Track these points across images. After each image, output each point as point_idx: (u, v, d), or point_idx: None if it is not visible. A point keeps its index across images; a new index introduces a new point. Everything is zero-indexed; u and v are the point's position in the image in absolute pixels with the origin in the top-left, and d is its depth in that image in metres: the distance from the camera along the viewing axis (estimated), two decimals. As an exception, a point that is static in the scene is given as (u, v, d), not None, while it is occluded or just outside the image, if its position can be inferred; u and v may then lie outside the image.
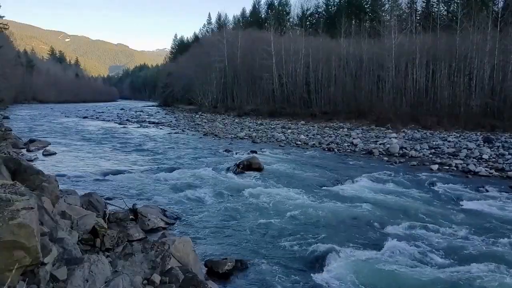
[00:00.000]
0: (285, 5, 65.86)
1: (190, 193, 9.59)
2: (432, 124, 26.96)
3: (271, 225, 7.45)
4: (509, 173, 13.11)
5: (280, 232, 7.15)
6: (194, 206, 8.70)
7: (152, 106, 79.03)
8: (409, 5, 44.63)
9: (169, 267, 4.47)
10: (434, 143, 20.01)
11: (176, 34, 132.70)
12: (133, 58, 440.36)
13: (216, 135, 24.50)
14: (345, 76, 38.30)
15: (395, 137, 22.02)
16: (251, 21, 66.82)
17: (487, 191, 10.73)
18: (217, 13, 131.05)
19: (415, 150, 18.04)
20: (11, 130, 21.01)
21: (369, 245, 6.50)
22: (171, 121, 36.38)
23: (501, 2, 35.88)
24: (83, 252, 4.20)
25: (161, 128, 29.34)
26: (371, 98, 34.72)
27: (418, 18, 41.00)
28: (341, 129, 28.12)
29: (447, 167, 14.33)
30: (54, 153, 15.22)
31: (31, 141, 17.44)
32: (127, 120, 37.44)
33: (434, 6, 45.72)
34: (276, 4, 66.75)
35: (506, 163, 14.50)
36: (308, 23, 54.23)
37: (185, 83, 59.48)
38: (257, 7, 71.46)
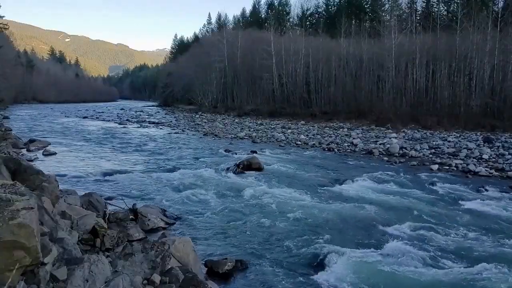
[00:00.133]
0: (285, 5, 65.89)
1: (190, 193, 9.59)
2: (432, 124, 26.96)
3: (271, 225, 7.45)
4: (509, 173, 13.12)
5: (280, 232, 7.15)
6: (194, 206, 8.69)
7: (152, 106, 79.04)
8: (409, 5, 44.65)
9: (169, 267, 4.47)
10: (434, 143, 20.02)
11: (176, 34, 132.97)
12: (133, 58, 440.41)
13: (216, 135, 24.50)
14: (345, 76, 38.31)
15: (395, 137, 22.02)
16: (251, 21, 66.83)
17: (487, 191, 10.74)
18: (217, 13, 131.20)
19: (415, 150, 18.05)
20: (11, 130, 21.01)
21: (369, 245, 6.50)
22: (171, 121, 36.38)
23: (501, 2, 35.92)
24: (83, 252, 4.20)
25: (161, 128, 29.34)
26: (371, 98, 34.73)
27: (418, 18, 41.00)
28: (341, 129, 28.12)
29: (447, 167, 14.33)
30: (54, 153, 15.21)
31: (31, 141, 17.43)
32: (127, 120, 37.43)
33: (434, 6, 45.73)
34: (276, 4, 66.78)
35: (506, 163, 14.50)
36: (308, 23, 54.24)
37: (185, 83, 59.48)
38: (257, 7, 71.53)
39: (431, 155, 17.03)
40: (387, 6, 49.56)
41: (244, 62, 48.79)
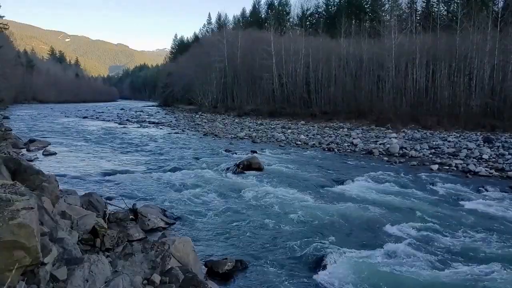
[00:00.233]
0: (285, 5, 65.89)
1: (190, 193, 9.59)
2: (432, 124, 26.97)
3: (271, 225, 7.45)
4: (509, 173, 13.12)
5: (280, 232, 7.15)
6: (194, 206, 8.69)
7: (152, 106, 79.05)
8: (409, 5, 44.65)
9: (169, 267, 4.46)
10: (434, 143, 20.02)
11: (176, 34, 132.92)
12: (133, 58, 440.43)
13: (216, 135, 24.50)
14: (345, 76, 38.31)
15: (395, 137, 22.02)
16: (251, 21, 66.84)
17: (487, 191, 10.73)
18: (217, 13, 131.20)
19: (415, 150, 18.05)
20: (11, 130, 21.00)
21: (369, 245, 6.50)
22: (171, 121, 36.38)
23: (501, 2, 35.91)
24: (83, 252, 4.20)
25: (161, 128, 29.34)
26: (371, 98, 34.73)
27: (418, 18, 41.00)
28: (341, 129, 28.12)
29: (447, 167, 14.33)
30: (54, 153, 15.21)
31: (31, 141, 17.43)
32: (127, 120, 37.43)
33: (434, 6, 45.73)
34: (276, 4, 66.78)
35: (506, 163, 14.50)
36: (308, 23, 54.25)
37: (185, 83, 59.48)
38: (257, 7, 71.53)
39: (431, 155, 17.03)
40: (387, 6, 49.58)
41: (244, 62, 48.79)
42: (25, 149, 15.70)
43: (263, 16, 68.52)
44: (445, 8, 44.72)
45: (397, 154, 17.33)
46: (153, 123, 34.22)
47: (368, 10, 52.41)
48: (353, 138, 22.23)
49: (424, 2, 46.93)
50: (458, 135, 23.39)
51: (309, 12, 60.59)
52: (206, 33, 77.82)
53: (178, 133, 25.94)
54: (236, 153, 16.81)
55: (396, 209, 8.74)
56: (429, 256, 6.06)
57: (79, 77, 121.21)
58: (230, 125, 32.11)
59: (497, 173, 13.25)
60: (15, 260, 2.85)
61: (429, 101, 31.40)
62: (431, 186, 11.22)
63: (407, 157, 16.83)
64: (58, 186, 5.64)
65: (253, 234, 7.00)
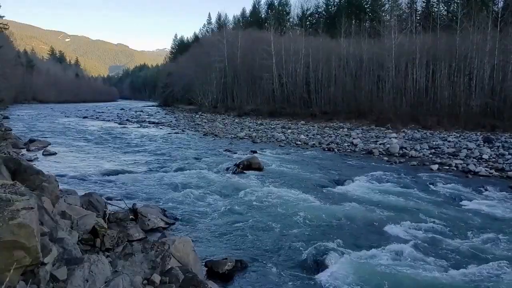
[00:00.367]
0: (285, 5, 65.88)
1: (190, 193, 9.58)
2: (432, 124, 26.97)
3: (271, 225, 7.45)
4: (509, 173, 13.12)
5: (280, 232, 7.15)
6: (194, 206, 8.69)
7: (152, 106, 79.04)
8: (409, 5, 44.66)
9: (169, 267, 4.46)
10: (434, 143, 20.02)
11: (176, 34, 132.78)
12: (133, 58, 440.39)
13: (216, 135, 24.50)
14: (345, 76, 38.31)
15: (395, 137, 22.02)
16: (251, 21, 66.82)
17: (487, 191, 10.74)
18: (217, 13, 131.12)
19: (415, 150, 18.05)
20: (11, 130, 21.00)
21: (369, 245, 6.50)
22: (171, 121, 36.38)
23: (501, 2, 35.88)
24: (83, 252, 4.20)
25: (161, 128, 29.34)
26: (371, 98, 34.73)
27: (418, 18, 41.01)
28: (341, 129, 28.13)
29: (447, 167, 14.33)
30: (54, 153, 15.21)
31: (31, 141, 17.42)
32: (127, 120, 37.43)
33: (434, 6, 45.73)
34: (276, 4, 66.77)
35: (506, 163, 14.50)
36: (308, 23, 54.25)
37: (185, 83, 59.48)
38: (257, 7, 71.50)
39: (431, 155, 17.03)
40: (387, 6, 49.57)
41: (244, 62, 48.78)
42: (25, 149, 15.70)
43: (263, 16, 68.50)
44: (445, 8, 44.74)
45: (397, 154, 17.34)
46: (153, 123, 34.22)
47: (368, 10, 52.41)
48: (353, 138, 22.23)
49: (424, 2, 46.95)
50: (458, 135, 23.39)
51: (309, 12, 60.63)
52: (206, 33, 77.84)
53: (178, 133, 25.94)
54: (236, 153, 16.81)
55: (396, 209, 8.74)
56: (430, 256, 6.06)
57: (79, 77, 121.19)
58: (230, 125, 32.12)
59: (497, 173, 13.25)
60: (15, 260, 2.85)
61: (429, 101, 31.40)
62: (431, 186, 11.22)
63: (407, 157, 16.83)
64: (58, 186, 5.63)
65: (253, 234, 7.00)
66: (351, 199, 9.46)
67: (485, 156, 15.93)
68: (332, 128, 29.07)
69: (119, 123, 33.32)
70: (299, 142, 21.45)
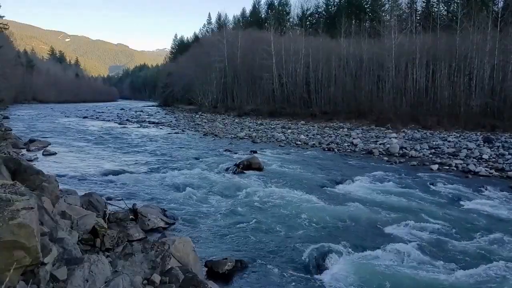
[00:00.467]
0: (285, 5, 65.89)
1: (190, 193, 9.58)
2: (432, 124, 26.97)
3: (271, 225, 7.45)
4: (509, 173, 13.12)
5: (280, 232, 7.15)
6: (194, 206, 8.69)
7: (152, 106, 79.04)
8: (409, 5, 44.67)
9: (169, 267, 4.46)
10: (434, 143, 20.02)
11: (176, 34, 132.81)
12: (133, 58, 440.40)
13: (216, 135, 24.50)
14: (345, 76, 38.31)
15: (395, 137, 22.03)
16: (251, 21, 66.83)
17: (487, 191, 10.73)
18: (217, 13, 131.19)
19: (415, 150, 18.05)
20: (11, 130, 21.00)
21: (369, 246, 6.50)
22: (171, 121, 36.38)
23: (501, 2, 35.89)
24: (83, 252, 4.20)
25: (161, 128, 29.34)
26: (371, 98, 34.74)
27: (418, 18, 41.01)
28: (341, 129, 28.13)
29: (447, 167, 14.33)
30: (54, 153, 15.21)
31: (31, 141, 17.42)
32: (127, 120, 37.43)
33: (434, 6, 45.74)
34: (276, 4, 66.78)
35: (506, 163, 14.50)
36: (308, 23, 54.25)
37: (185, 83, 59.47)
38: (257, 7, 71.51)
39: (431, 155, 17.03)
40: (387, 6, 49.58)
41: (244, 62, 48.78)
42: (25, 149, 15.69)
43: (263, 16, 68.52)
44: (445, 8, 44.74)
45: (397, 154, 17.34)
46: (153, 123, 34.22)
47: (368, 10, 52.42)
48: (353, 138, 22.23)
49: (424, 2, 46.96)
50: (458, 135, 23.39)
51: (309, 12, 60.65)
52: (206, 33, 77.86)
53: (178, 133, 25.94)
54: (236, 153, 16.81)
55: (397, 209, 8.74)
56: (431, 256, 6.06)
57: (79, 77, 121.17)
58: (230, 125, 32.12)
59: (497, 173, 13.25)
60: (15, 260, 2.84)
61: (429, 101, 31.40)
62: (431, 186, 11.22)
63: (407, 157, 16.83)
64: (58, 186, 5.64)
65: (253, 234, 7.00)
66: (351, 199, 9.45)
67: (485, 156, 15.93)
68: (332, 128, 29.07)
69: (119, 123, 33.32)
70: (299, 142, 21.45)
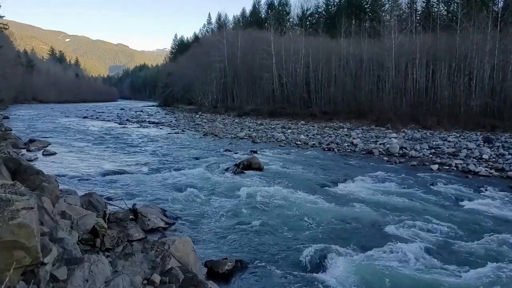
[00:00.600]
0: (285, 5, 65.87)
1: (190, 193, 9.59)
2: (432, 124, 26.97)
3: (271, 225, 7.45)
4: (509, 173, 13.12)
5: (280, 232, 7.15)
6: (194, 206, 8.69)
7: (152, 106, 79.04)
8: (409, 5, 44.65)
9: (169, 267, 4.46)
10: (434, 143, 20.02)
11: (176, 34, 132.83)
12: (133, 58, 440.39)
13: (216, 135, 24.50)
14: (345, 76, 38.30)
15: (395, 137, 22.02)
16: (251, 21, 66.82)
17: (487, 191, 10.73)
18: (217, 13, 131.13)
19: (415, 150, 18.05)
20: (11, 130, 21.01)
21: (369, 246, 6.49)
22: (171, 121, 36.38)
23: (501, 2, 35.88)
24: (83, 252, 4.20)
25: (161, 128, 29.35)
26: (371, 98, 34.73)
27: (418, 18, 41.00)
28: (341, 129, 28.12)
29: (447, 167, 14.33)
30: (54, 153, 15.21)
31: (31, 141, 17.43)
32: (127, 120, 37.44)
33: (434, 6, 45.73)
34: (276, 4, 66.76)
35: (506, 163, 14.50)
36: (308, 23, 54.24)
37: (185, 83, 59.47)
38: (257, 7, 71.49)
39: (431, 155, 17.03)
40: (387, 6, 49.57)
41: (244, 62, 48.78)
42: (25, 149, 15.69)
43: (263, 16, 68.49)
44: (445, 8, 44.73)
45: (397, 154, 17.34)
46: (153, 123, 34.23)
47: (368, 10, 52.40)
48: (353, 138, 22.23)
49: (424, 2, 46.94)
50: (458, 135, 23.39)
51: (309, 12, 60.62)
52: (206, 33, 77.84)
53: (178, 133, 25.94)
54: (236, 153, 16.81)
55: (396, 209, 8.74)
56: (429, 256, 6.06)
57: (79, 77, 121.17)
58: (230, 125, 32.11)
59: (497, 173, 13.25)
60: (15, 260, 2.84)
61: (429, 101, 31.39)
62: (431, 186, 11.23)
63: (407, 157, 16.83)
64: (58, 186, 5.64)
65: (253, 234, 7.00)
66: (351, 200, 9.46)
67: (485, 156, 15.93)
68: (332, 128, 29.07)
69: (119, 123, 33.32)
70: (299, 142, 21.45)
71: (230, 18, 77.75)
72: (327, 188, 10.77)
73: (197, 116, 43.60)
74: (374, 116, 31.33)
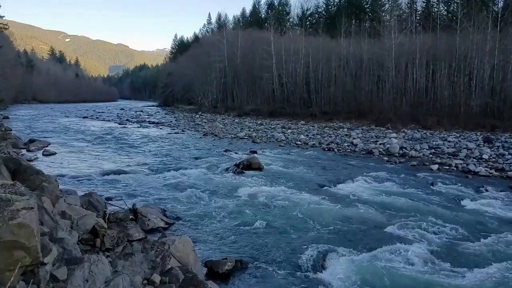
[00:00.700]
0: (285, 5, 65.88)
1: (190, 193, 9.58)
2: (432, 124, 26.97)
3: (271, 225, 7.45)
4: (509, 173, 13.11)
5: (280, 232, 7.15)
6: (194, 206, 8.69)
7: (152, 106, 79.05)
8: (409, 5, 44.64)
9: (169, 267, 4.46)
10: (434, 143, 20.01)
11: (176, 34, 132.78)
12: (133, 58, 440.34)
13: (216, 135, 24.50)
14: (345, 76, 38.30)
15: (395, 137, 22.02)
16: (251, 21, 66.82)
17: (487, 191, 10.73)
18: (217, 13, 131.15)
19: (415, 150, 18.05)
20: (11, 130, 21.01)
21: (369, 246, 6.50)
22: (171, 121, 36.38)
23: (501, 2, 35.88)
24: (83, 252, 4.20)
25: (161, 128, 29.34)
26: (371, 98, 34.72)
27: (418, 18, 41.00)
28: (341, 129, 28.12)
29: (447, 167, 14.33)
30: (54, 153, 15.21)
31: (31, 141, 17.43)
32: (127, 120, 37.44)
33: (434, 6, 45.72)
34: (276, 4, 66.77)
35: (506, 163, 14.50)
36: (308, 23, 54.24)
37: (185, 83, 59.47)
38: (257, 7, 71.51)
39: (431, 155, 17.03)
40: (387, 6, 49.57)
41: (244, 62, 48.78)
42: (25, 149, 15.70)
43: (263, 16, 68.50)
44: (445, 8, 44.72)
45: (397, 154, 17.33)
46: (153, 123, 34.23)
47: (368, 10, 52.41)
48: (353, 138, 22.23)
49: (424, 2, 46.94)
50: (458, 135, 23.39)
51: (309, 12, 60.63)
52: (206, 33, 77.85)
53: (178, 133, 25.94)
54: (236, 153, 16.81)
55: (396, 209, 8.74)
56: (429, 256, 6.05)
57: (79, 77, 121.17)
58: (230, 125, 32.11)
59: (497, 173, 13.25)
60: (15, 260, 2.85)
61: (429, 101, 31.38)
62: (431, 186, 11.23)
63: (407, 157, 16.82)
64: (58, 186, 5.63)
65: (253, 234, 7.00)
66: (351, 200, 9.46)
67: (485, 156, 15.92)
68: (332, 128, 29.07)
69: (119, 123, 33.32)
70: (299, 142, 21.45)
71: (230, 18, 77.92)
72: (327, 188, 10.77)
73: (197, 116, 43.59)
74: (374, 116, 31.32)
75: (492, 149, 17.55)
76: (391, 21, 37.91)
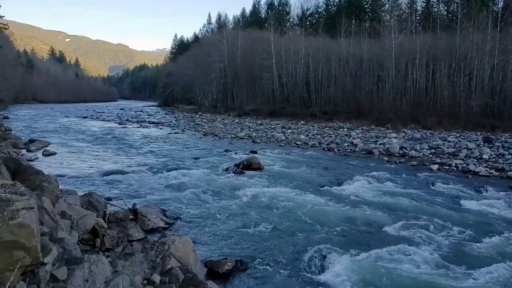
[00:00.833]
0: (285, 5, 65.89)
1: (190, 193, 9.59)
2: (432, 124, 26.97)
3: (271, 225, 7.45)
4: (509, 173, 13.11)
5: (280, 232, 7.15)
6: (194, 206, 8.69)
7: (152, 106, 79.05)
8: (409, 5, 44.64)
9: (169, 267, 4.46)
10: (434, 143, 20.01)
11: (176, 34, 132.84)
12: (133, 58, 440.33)
13: (216, 135, 24.50)
14: (345, 76, 38.30)
15: (395, 137, 22.02)
16: (251, 21, 66.83)
17: (487, 191, 10.72)
18: (217, 13, 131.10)
19: (415, 150, 18.05)
20: (11, 130, 21.01)
21: (369, 246, 6.50)
22: (171, 121, 36.38)
23: (501, 2, 35.88)
24: (83, 252, 4.20)
25: (161, 128, 29.34)
26: (371, 98, 34.72)
27: (418, 18, 41.01)
28: (341, 129, 28.12)
29: (447, 167, 14.33)
30: (54, 153, 15.21)
31: (31, 141, 17.43)
32: (127, 120, 37.44)
33: (434, 6, 45.74)
34: (276, 4, 66.77)
35: (506, 163, 14.50)
36: (308, 23, 54.24)
37: (185, 83, 59.47)
38: (257, 7, 71.51)
39: (431, 155, 17.03)
40: (387, 6, 49.57)
41: (244, 62, 48.77)
42: (25, 149, 15.70)
43: (263, 16, 68.50)
44: (445, 8, 44.72)
45: (397, 154, 17.33)
46: (153, 123, 34.22)
47: (368, 10, 52.40)
48: (353, 138, 22.23)
49: (424, 2, 46.94)
50: (458, 135, 23.39)
51: (309, 12, 60.63)
52: (206, 33, 77.85)
53: (178, 133, 25.94)
54: (236, 153, 16.81)
55: (396, 209, 8.74)
56: (428, 256, 6.05)
57: (79, 77, 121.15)
58: (230, 125, 32.11)
59: (497, 173, 13.25)
60: (15, 260, 2.84)
61: (429, 101, 31.38)
62: (431, 186, 11.22)
63: (407, 157, 16.82)
64: (58, 186, 5.64)
65: (253, 234, 7.00)
66: (351, 200, 9.45)
67: (485, 156, 15.92)
68: (332, 128, 29.07)
69: (119, 123, 33.32)
70: (299, 142, 21.45)
71: (230, 18, 77.88)
72: (327, 188, 10.76)
73: (197, 116, 43.60)
74: (374, 116, 31.33)
75: (492, 149, 17.55)
76: (391, 21, 37.91)
